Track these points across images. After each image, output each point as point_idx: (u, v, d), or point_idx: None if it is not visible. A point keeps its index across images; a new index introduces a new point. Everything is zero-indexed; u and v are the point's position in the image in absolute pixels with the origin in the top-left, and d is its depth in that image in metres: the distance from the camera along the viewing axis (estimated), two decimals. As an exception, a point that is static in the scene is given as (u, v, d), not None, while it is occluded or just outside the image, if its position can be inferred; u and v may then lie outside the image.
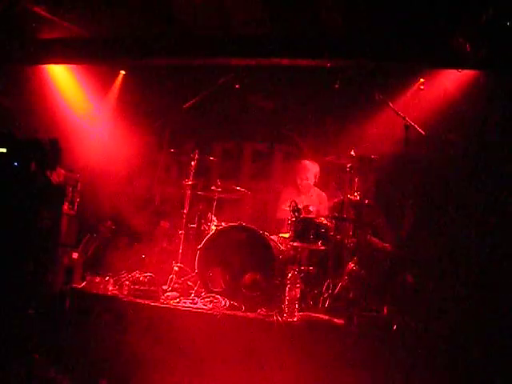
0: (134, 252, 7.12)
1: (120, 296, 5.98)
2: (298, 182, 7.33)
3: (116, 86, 8.53)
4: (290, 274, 5.62)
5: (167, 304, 5.80)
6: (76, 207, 7.08)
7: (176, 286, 6.34)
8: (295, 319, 5.42)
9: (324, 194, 7.42)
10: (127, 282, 6.15)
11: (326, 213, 6.95)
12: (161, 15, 6.91)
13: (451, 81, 7.01)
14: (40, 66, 8.03)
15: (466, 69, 6.64)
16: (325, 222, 6.39)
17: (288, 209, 6.34)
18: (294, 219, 6.25)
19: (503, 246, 6.18)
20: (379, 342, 5.09)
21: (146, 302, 5.73)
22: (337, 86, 7.22)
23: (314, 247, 6.29)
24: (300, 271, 6.00)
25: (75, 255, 6.63)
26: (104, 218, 7.58)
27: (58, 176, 7.00)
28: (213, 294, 5.97)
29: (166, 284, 6.32)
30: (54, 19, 7.12)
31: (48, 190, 6.61)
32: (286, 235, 6.51)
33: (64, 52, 7.62)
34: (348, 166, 6.62)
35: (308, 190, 7.34)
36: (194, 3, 6.71)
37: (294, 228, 6.24)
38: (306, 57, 6.99)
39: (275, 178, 8.50)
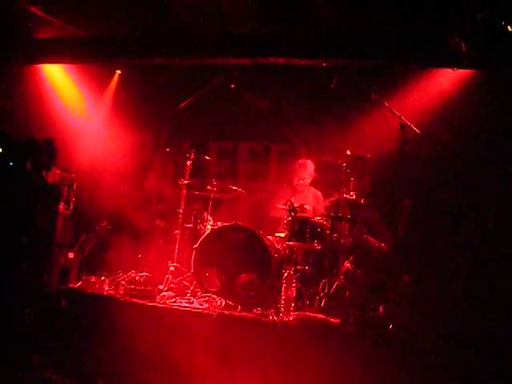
0: (130, 252, 7.11)
1: (116, 296, 5.98)
2: (295, 181, 7.33)
3: (112, 86, 8.53)
4: (285, 274, 5.62)
5: (163, 304, 5.79)
6: (72, 207, 7.07)
7: (172, 285, 6.33)
8: (291, 319, 5.42)
9: (319, 193, 7.42)
10: (123, 282, 6.16)
11: (323, 212, 6.96)
12: (157, 15, 6.91)
13: (447, 80, 7.02)
14: (36, 65, 8.02)
15: (462, 68, 6.66)
16: (321, 221, 6.39)
17: (283, 207, 6.34)
18: (289, 219, 6.25)
19: (502, 244, 6.19)
20: (375, 342, 5.10)
21: (142, 302, 5.73)
22: (332, 85, 7.23)
23: (310, 247, 6.30)
24: (296, 271, 6.00)
25: (71, 255, 6.62)
26: (100, 218, 7.58)
27: (53, 176, 6.99)
28: (209, 294, 5.96)
29: (162, 284, 6.30)
30: (50, 19, 7.12)
31: (43, 190, 6.61)
32: (282, 235, 6.52)
33: (60, 52, 7.62)
34: (344, 165, 6.63)
35: (303, 190, 7.34)
36: (189, 3, 6.72)
37: (290, 227, 6.25)
38: (303, 56, 7.01)
39: (271, 178, 8.50)
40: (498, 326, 5.25)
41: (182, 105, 7.63)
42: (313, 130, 8.03)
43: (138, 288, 6.03)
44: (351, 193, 6.51)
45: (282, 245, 6.50)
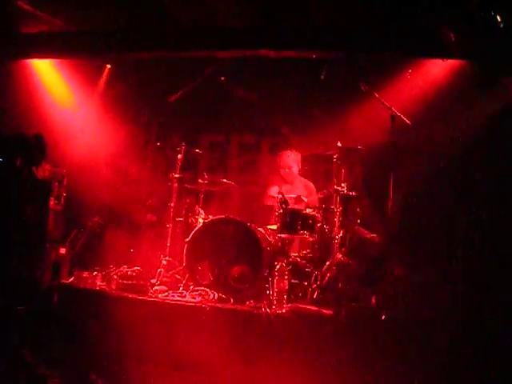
0: (122, 246, 7.10)
1: (108, 291, 5.97)
2: (282, 172, 7.36)
3: (102, 81, 8.48)
4: (278, 266, 5.63)
5: (155, 298, 5.80)
6: (62, 202, 7.05)
7: (164, 279, 6.34)
8: (284, 311, 5.43)
9: (311, 183, 7.43)
10: (115, 277, 6.14)
11: (315, 202, 6.97)
12: (146, 8, 6.87)
13: (437, 70, 7.01)
14: (24, 60, 7.96)
15: (451, 59, 6.65)
16: (312, 213, 6.40)
17: (276, 195, 6.35)
18: (281, 211, 6.26)
19: (495, 234, 6.20)
20: (367, 333, 5.11)
21: (135, 296, 5.73)
22: (322, 76, 7.22)
23: (302, 238, 6.30)
24: (288, 263, 6.01)
25: (63, 250, 6.62)
26: (91, 213, 7.56)
27: (43, 171, 6.96)
28: (201, 287, 5.97)
29: (154, 278, 6.31)
30: (37, 13, 7.06)
31: (33, 185, 6.57)
32: (274, 227, 6.52)
33: (48, 46, 7.54)
34: (335, 156, 6.63)
35: (293, 180, 7.35)
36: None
37: (282, 220, 6.26)
38: (292, 48, 6.98)
39: (262, 170, 8.49)
40: (490, 314, 5.26)
41: (172, 98, 7.61)
42: (303, 122, 8.03)
43: (130, 282, 6.02)
44: (342, 184, 6.52)
45: (274, 237, 6.51)
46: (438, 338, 4.98)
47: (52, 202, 6.89)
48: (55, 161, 7.28)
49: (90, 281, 6.14)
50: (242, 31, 6.96)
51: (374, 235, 6.56)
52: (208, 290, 5.90)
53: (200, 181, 6.95)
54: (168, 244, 6.74)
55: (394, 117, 6.38)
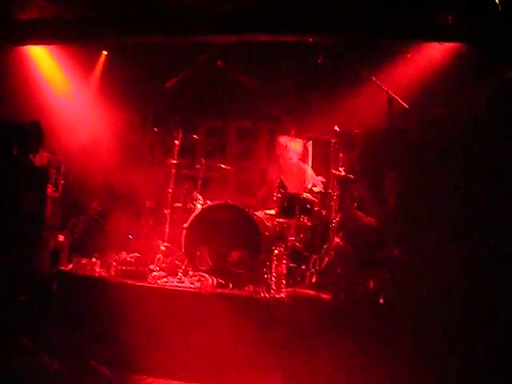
0: (121, 232, 7.10)
1: (107, 277, 5.98)
2: (281, 161, 7.35)
3: (98, 67, 8.45)
4: (276, 251, 5.64)
5: (155, 284, 5.81)
6: (60, 189, 7.05)
7: (163, 265, 6.35)
8: (282, 295, 5.44)
9: (308, 166, 7.43)
10: (114, 263, 6.15)
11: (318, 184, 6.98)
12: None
13: (435, 53, 6.98)
14: (20, 47, 7.92)
15: (448, 41, 6.63)
16: (310, 197, 6.40)
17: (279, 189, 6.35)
18: (279, 196, 6.26)
19: (492, 216, 6.20)
20: (366, 316, 5.13)
21: (134, 282, 5.73)
22: (319, 61, 7.19)
23: (300, 223, 6.31)
24: (286, 247, 6.02)
25: (61, 238, 6.63)
26: (89, 199, 7.56)
27: (41, 159, 6.97)
28: (200, 273, 5.98)
29: (153, 264, 6.32)
30: (33, -1, 7.03)
31: (31, 173, 6.57)
32: (272, 212, 6.52)
33: (44, 33, 7.52)
34: (332, 141, 6.62)
35: (292, 169, 7.34)
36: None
37: (280, 204, 6.26)
38: (289, 33, 6.95)
39: (260, 156, 8.47)
40: (485, 298, 5.28)
41: (169, 84, 7.57)
42: (301, 107, 8.02)
43: (129, 268, 6.03)
44: (340, 168, 6.51)
45: (272, 222, 6.51)
46: (435, 320, 5.01)
47: (50, 189, 6.90)
48: (52, 148, 7.28)
49: (89, 267, 6.13)
50: (238, 16, 6.92)
51: (371, 219, 6.56)
52: (207, 275, 5.91)
53: (198, 166, 6.95)
54: (167, 230, 6.75)
55: (391, 100, 6.36)
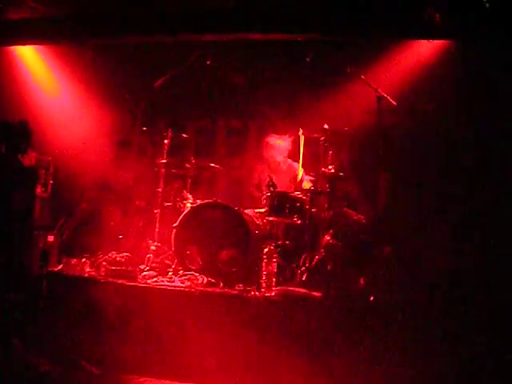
0: (111, 232, 7.07)
1: (97, 277, 5.95)
2: (270, 160, 7.35)
3: (87, 66, 8.40)
4: (266, 249, 5.64)
5: (145, 283, 5.79)
6: (49, 190, 7.01)
7: (153, 264, 6.32)
8: (273, 293, 5.45)
9: (297, 164, 7.42)
10: (104, 263, 6.12)
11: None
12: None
13: (423, 50, 7.00)
14: (7, 47, 7.88)
15: (437, 39, 6.66)
16: (300, 195, 6.40)
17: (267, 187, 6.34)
18: (269, 194, 6.26)
19: (483, 213, 6.23)
20: (356, 314, 5.14)
21: (124, 282, 5.71)
22: (308, 59, 7.19)
23: (290, 221, 6.31)
24: (276, 246, 6.01)
25: (51, 238, 6.58)
26: (79, 200, 7.53)
27: (29, 159, 6.93)
28: (190, 272, 5.98)
29: (143, 263, 6.30)
30: (19, -1, 6.99)
31: (20, 173, 6.54)
32: (262, 210, 6.52)
33: (31, 32, 7.49)
34: (322, 139, 6.62)
35: (280, 167, 7.33)
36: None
37: (270, 203, 6.26)
38: (277, 31, 6.95)
39: (249, 154, 8.46)
40: (479, 292, 5.30)
41: (158, 83, 7.54)
42: (289, 105, 8.01)
43: (119, 268, 6.00)
44: (330, 166, 6.51)
45: (262, 220, 6.51)
46: (425, 318, 5.02)
47: (39, 189, 6.84)
48: (41, 148, 7.23)
49: (78, 268, 6.09)
50: (227, 14, 6.92)
51: (362, 216, 6.57)
52: (197, 274, 5.91)
53: (187, 165, 6.93)
54: (156, 229, 6.72)
55: (380, 98, 6.38)
